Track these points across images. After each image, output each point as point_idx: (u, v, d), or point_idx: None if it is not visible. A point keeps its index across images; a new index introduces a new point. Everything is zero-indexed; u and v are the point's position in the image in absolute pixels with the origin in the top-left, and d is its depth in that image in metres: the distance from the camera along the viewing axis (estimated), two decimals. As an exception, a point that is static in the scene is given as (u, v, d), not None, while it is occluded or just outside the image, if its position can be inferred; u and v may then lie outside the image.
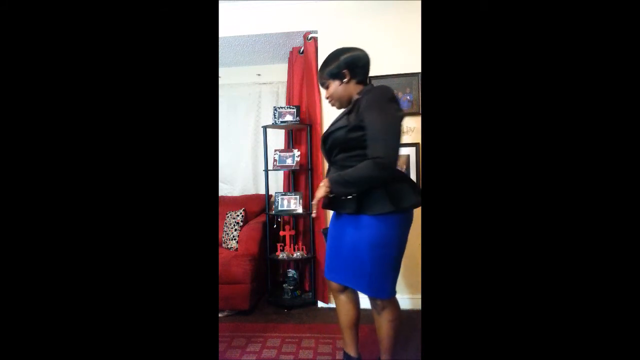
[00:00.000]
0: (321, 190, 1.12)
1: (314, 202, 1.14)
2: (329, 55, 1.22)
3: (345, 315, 1.30)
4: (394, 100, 1.08)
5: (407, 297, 2.12)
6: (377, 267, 1.12)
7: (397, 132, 1.06)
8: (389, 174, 1.06)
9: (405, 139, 2.13)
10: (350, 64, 1.17)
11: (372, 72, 2.11)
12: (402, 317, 1.25)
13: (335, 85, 1.19)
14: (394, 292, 1.20)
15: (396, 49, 2.14)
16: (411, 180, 1.19)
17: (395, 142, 1.06)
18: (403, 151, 2.11)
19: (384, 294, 1.16)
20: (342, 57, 1.16)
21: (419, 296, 2.08)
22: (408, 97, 2.13)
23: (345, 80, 1.17)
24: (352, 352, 1.33)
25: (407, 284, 2.13)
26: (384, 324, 1.22)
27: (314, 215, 1.16)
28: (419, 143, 2.11)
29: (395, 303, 1.23)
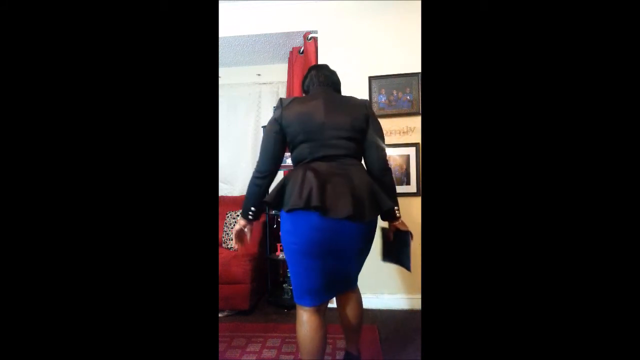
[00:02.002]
0: (237, 225, 1.24)
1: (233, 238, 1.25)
2: None
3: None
4: (275, 113, 1.22)
5: (407, 297, 2.12)
6: None
7: (264, 143, 1.20)
8: (255, 176, 1.19)
9: (405, 139, 2.13)
10: (303, 84, 1.39)
11: (373, 72, 2.14)
12: (301, 332, 1.14)
13: None
14: (296, 298, 1.17)
15: (396, 49, 2.14)
16: (305, 184, 1.08)
17: (262, 152, 1.20)
18: (403, 151, 2.11)
19: None
20: None
21: (419, 296, 2.08)
22: (408, 97, 2.13)
23: None
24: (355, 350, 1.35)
25: (407, 284, 2.13)
26: None
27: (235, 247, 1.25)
28: (419, 143, 2.11)
29: (298, 314, 1.17)
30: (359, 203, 1.07)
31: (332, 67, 1.36)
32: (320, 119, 1.14)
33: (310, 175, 1.07)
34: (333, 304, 1.28)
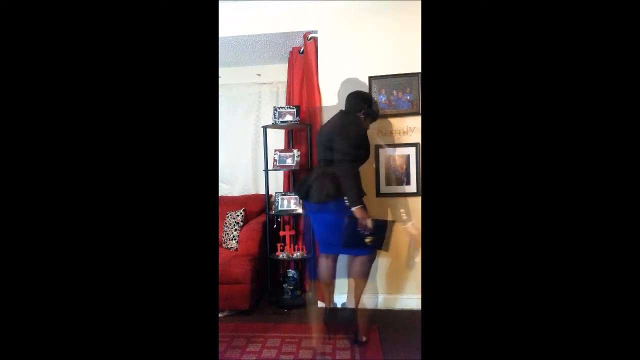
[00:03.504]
0: None
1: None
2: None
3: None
4: None
5: (407, 297, 2.12)
6: None
7: None
8: None
9: (405, 139, 2.13)
10: None
11: (373, 72, 2.14)
12: (318, 268, 1.74)
13: None
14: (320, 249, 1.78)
15: (396, 49, 2.14)
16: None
17: None
18: (403, 151, 2.11)
19: None
20: None
21: (419, 296, 2.08)
22: (408, 97, 2.12)
23: None
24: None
25: (407, 284, 2.13)
26: None
27: None
28: (419, 143, 2.11)
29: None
30: (321, 195, 1.57)
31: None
32: (319, 133, 1.73)
33: (307, 174, 1.75)
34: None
